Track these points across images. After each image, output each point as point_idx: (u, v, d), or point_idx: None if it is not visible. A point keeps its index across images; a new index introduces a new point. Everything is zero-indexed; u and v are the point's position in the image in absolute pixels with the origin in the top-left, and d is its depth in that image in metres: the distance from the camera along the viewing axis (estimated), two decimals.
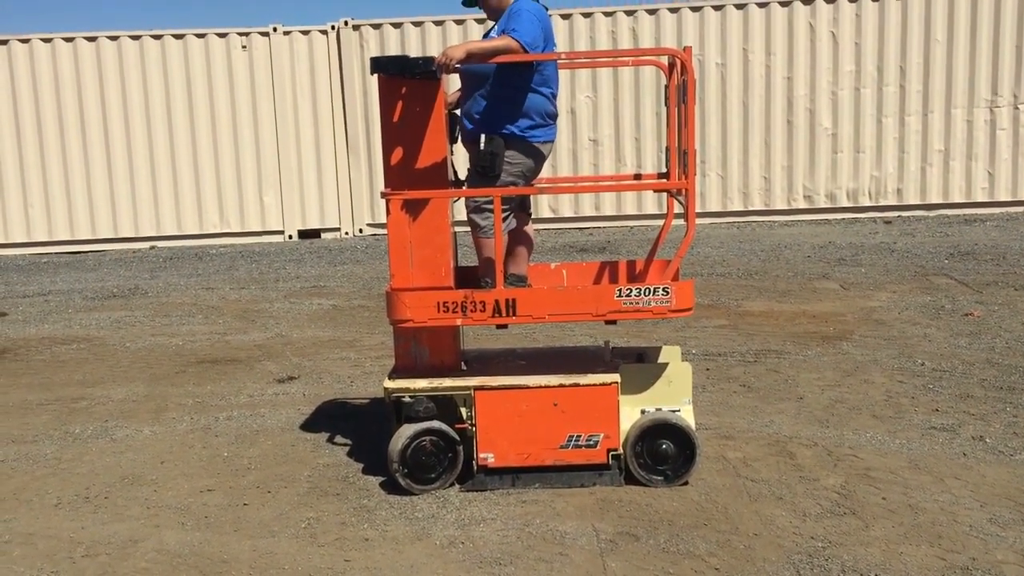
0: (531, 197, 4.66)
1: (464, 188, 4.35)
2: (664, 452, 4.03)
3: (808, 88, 12.28)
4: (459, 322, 4.04)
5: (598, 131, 12.47)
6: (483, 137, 4.15)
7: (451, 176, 4.24)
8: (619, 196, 12.58)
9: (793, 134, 12.37)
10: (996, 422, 4.69)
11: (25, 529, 3.92)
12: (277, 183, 12.74)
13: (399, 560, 3.49)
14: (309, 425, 5.10)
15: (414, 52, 12.50)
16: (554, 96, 4.33)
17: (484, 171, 4.17)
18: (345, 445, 4.74)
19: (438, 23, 12.53)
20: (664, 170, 4.61)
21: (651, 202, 12.61)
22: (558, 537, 3.62)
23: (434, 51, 12.47)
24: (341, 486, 4.21)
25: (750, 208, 12.56)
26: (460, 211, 4.46)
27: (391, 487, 4.10)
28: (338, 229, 12.89)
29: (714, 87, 12.35)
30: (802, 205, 12.51)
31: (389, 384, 4.13)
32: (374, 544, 3.63)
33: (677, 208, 4.35)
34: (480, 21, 12.44)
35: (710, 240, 11.21)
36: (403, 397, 4.07)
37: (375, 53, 12.51)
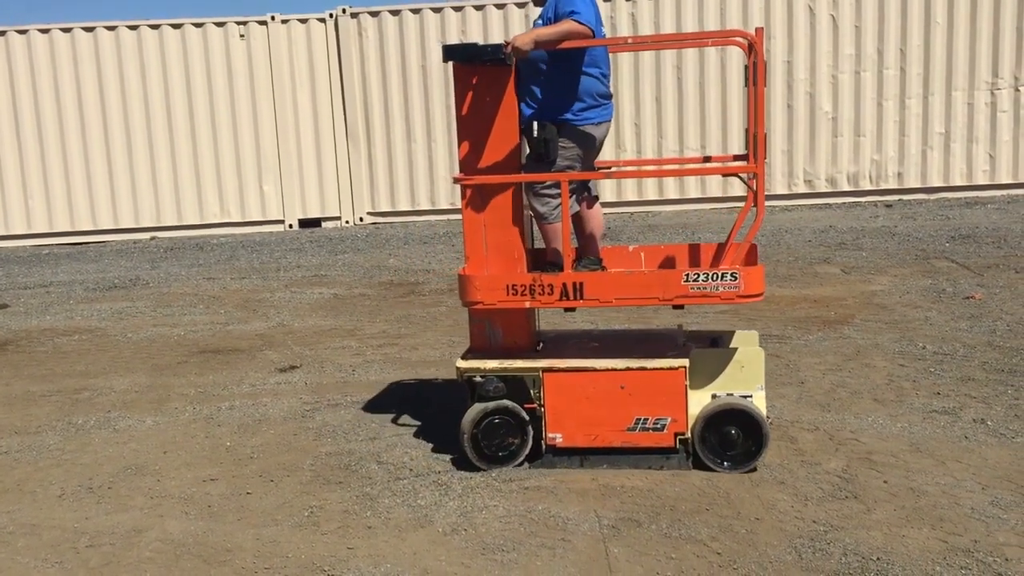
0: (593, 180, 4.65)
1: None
2: (733, 438, 4.01)
3: (808, 72, 12.24)
4: (527, 304, 4.08)
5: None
6: (535, 124, 4.13)
7: (523, 160, 4.26)
8: (619, 183, 12.55)
9: (793, 118, 12.34)
10: (997, 405, 4.69)
11: (29, 520, 3.93)
12: (277, 172, 12.73)
13: (402, 547, 3.50)
14: (311, 414, 5.11)
15: (412, 40, 12.48)
16: (605, 76, 4.30)
17: (540, 158, 4.17)
18: (347, 433, 4.75)
19: (436, 10, 12.49)
20: (744, 152, 4.56)
21: (651, 188, 12.59)
22: (560, 523, 3.63)
23: (431, 38, 12.46)
24: (344, 474, 4.22)
25: None
26: None
27: (387, 477, 4.11)
28: (338, 218, 12.89)
29: (714, 71, 12.32)
30: (803, 189, 12.49)
31: (462, 364, 4.19)
32: (377, 532, 3.64)
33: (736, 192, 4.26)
34: (479, 8, 12.40)
35: (711, 225, 11.19)
36: (475, 376, 4.12)
37: (373, 41, 12.50)
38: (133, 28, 12.47)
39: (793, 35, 12.20)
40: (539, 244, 4.49)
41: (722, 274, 3.94)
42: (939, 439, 4.29)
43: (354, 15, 12.56)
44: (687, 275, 3.96)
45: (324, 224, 12.94)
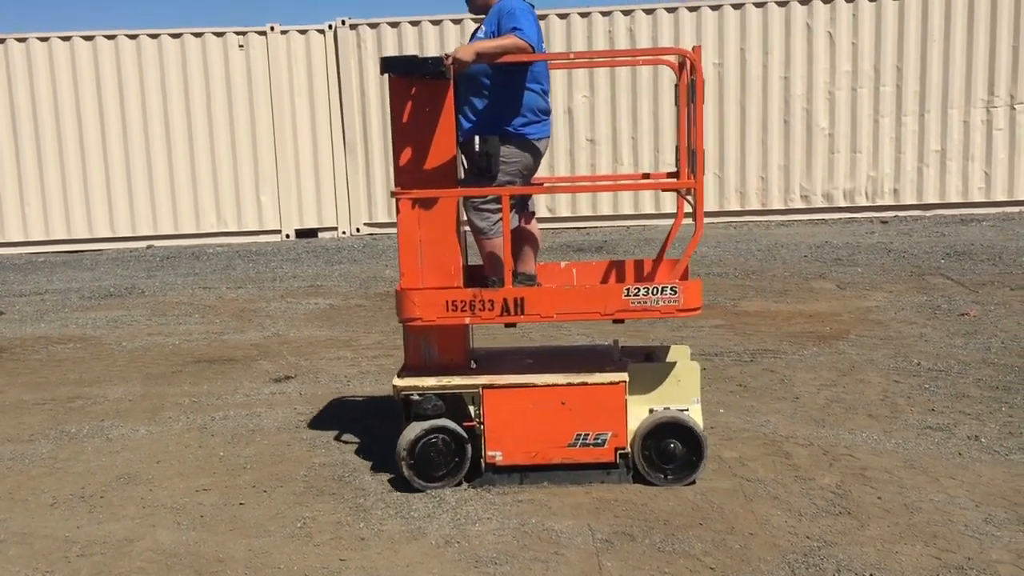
0: (532, 195, 4.67)
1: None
2: (672, 451, 4.03)
3: (805, 88, 12.29)
4: (468, 321, 4.06)
5: (595, 131, 12.47)
6: (477, 138, 4.14)
7: (460, 175, 4.25)
8: (616, 196, 12.58)
9: (790, 134, 12.37)
10: (992, 422, 4.70)
11: (21, 528, 3.92)
12: (274, 182, 12.73)
13: (395, 559, 3.49)
14: (305, 425, 5.10)
15: (412, 52, 12.49)
16: (546, 92, 4.34)
17: (482, 172, 4.17)
18: (341, 444, 4.74)
19: (435, 23, 12.53)
20: (674, 169, 4.61)
21: (648, 202, 12.61)
22: (554, 536, 3.62)
23: (431, 51, 12.48)
24: (337, 486, 4.21)
25: (747, 208, 12.57)
26: None
27: (399, 484, 4.10)
28: (335, 228, 12.89)
29: (711, 87, 12.34)
30: (799, 205, 12.51)
31: (398, 382, 4.15)
32: (370, 543, 3.63)
33: (685, 207, 4.35)
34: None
35: (707, 240, 11.21)
36: (412, 395, 4.09)
37: (372, 53, 12.52)
38: (132, 37, 12.48)
39: (790, 51, 12.24)
40: (473, 260, 4.47)
41: (661, 288, 3.98)
42: (933, 456, 4.29)
43: (353, 27, 12.59)
44: (627, 290, 3.99)
45: (321, 234, 12.94)
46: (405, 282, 4.15)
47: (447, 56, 3.95)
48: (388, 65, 4.04)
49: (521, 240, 4.41)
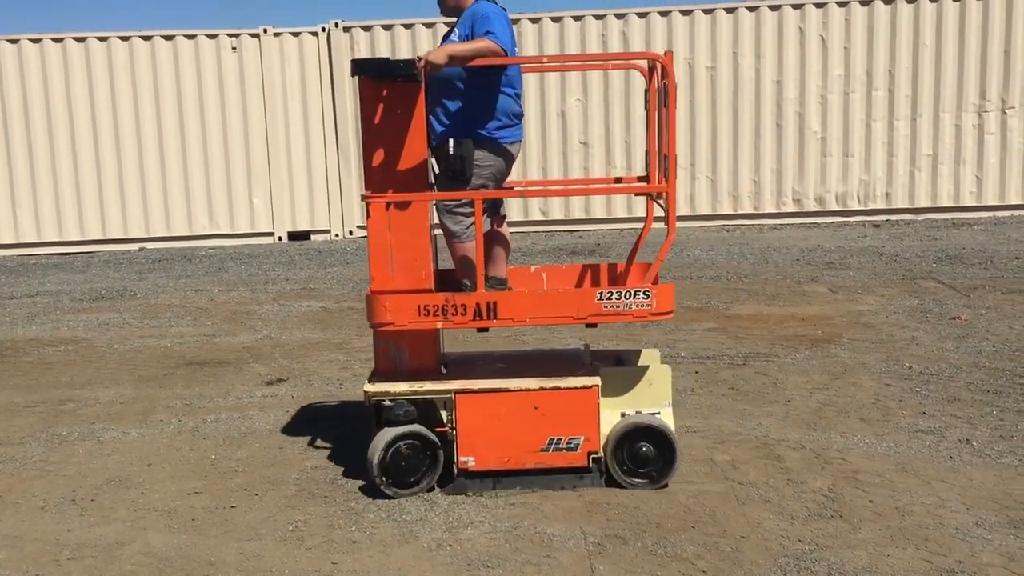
0: (504, 199, 4.66)
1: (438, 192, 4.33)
2: (644, 455, 4.04)
3: (797, 92, 12.32)
4: (440, 325, 4.02)
5: (589, 134, 12.49)
6: (451, 141, 4.13)
7: (430, 179, 4.23)
8: (609, 199, 12.60)
9: (782, 138, 12.40)
10: (983, 425, 4.71)
11: (11, 531, 3.90)
12: (267, 185, 12.71)
13: (386, 563, 3.49)
14: (297, 428, 5.09)
15: (404, 54, 12.48)
16: (518, 96, 4.34)
17: (455, 175, 4.15)
18: (333, 448, 4.73)
19: (428, 25, 12.52)
20: (644, 173, 4.62)
21: (641, 205, 12.62)
22: (546, 540, 3.62)
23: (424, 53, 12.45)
24: (329, 489, 4.20)
25: (740, 211, 12.59)
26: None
27: (372, 491, 4.08)
28: (328, 231, 12.87)
29: (704, 91, 12.38)
30: (791, 209, 12.54)
31: (369, 388, 4.11)
32: (361, 547, 3.62)
33: (658, 212, 4.36)
34: None
35: (700, 243, 11.23)
36: (383, 401, 4.05)
37: (366, 55, 12.51)
38: (125, 39, 12.45)
39: (783, 55, 12.28)
40: (442, 264, 4.45)
41: (634, 292, 3.97)
42: (924, 459, 4.30)
43: (347, 29, 12.59)
44: (600, 293, 3.98)
45: (313, 237, 12.92)
46: (376, 286, 4.11)
47: (419, 59, 3.94)
48: (360, 67, 4.01)
49: (492, 244, 4.39)
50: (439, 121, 4.21)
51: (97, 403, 5.72)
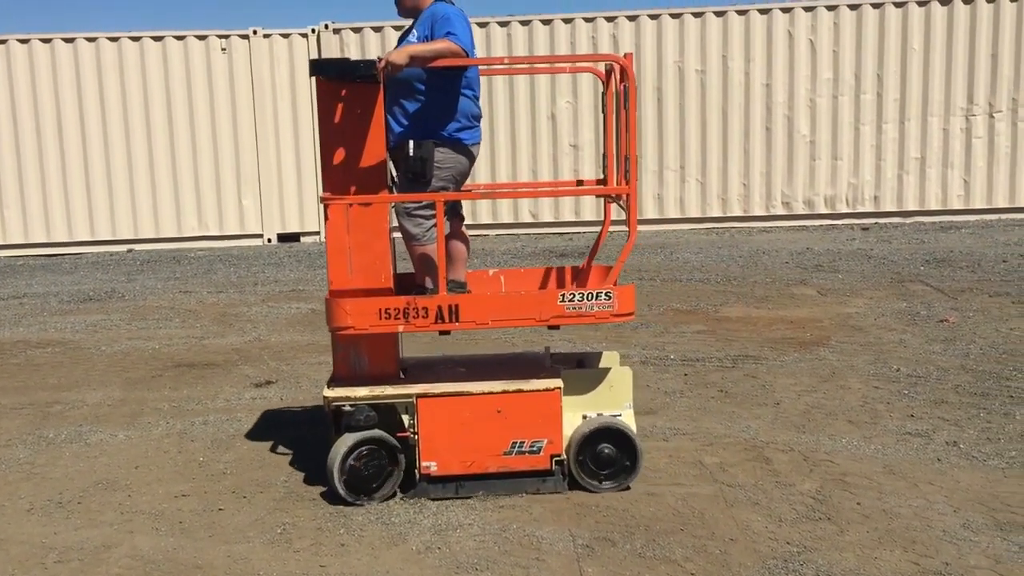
0: (461, 201, 4.65)
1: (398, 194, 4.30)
2: (607, 457, 4.04)
3: (787, 95, 12.37)
4: (401, 329, 3.97)
5: (578, 137, 12.50)
6: (411, 143, 4.10)
7: (389, 181, 4.21)
8: (601, 200, 12.60)
9: (772, 141, 12.44)
10: (970, 428, 4.73)
11: None
12: (256, 186, 12.68)
13: (375, 566, 3.48)
14: (286, 430, 5.08)
15: None
16: (477, 98, 4.33)
17: (416, 177, 4.12)
18: (322, 450, 4.71)
19: None
20: (602, 176, 4.63)
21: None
22: (535, 542, 3.62)
23: None
24: (317, 491, 4.19)
25: (729, 214, 12.62)
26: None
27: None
28: (317, 233, 12.85)
29: (694, 94, 12.41)
30: (780, 211, 12.58)
31: (329, 393, 4.06)
32: (350, 549, 3.62)
33: (614, 214, 4.39)
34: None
35: (689, 246, 11.25)
36: (343, 406, 4.02)
37: (356, 57, 12.49)
38: (114, 40, 12.41)
39: (772, 59, 12.32)
40: (402, 268, 4.44)
41: (596, 294, 3.98)
42: (912, 461, 4.32)
43: (336, 31, 12.57)
44: (563, 295, 3.98)
45: (303, 239, 12.90)
46: (334, 289, 4.07)
47: (379, 60, 3.91)
48: (318, 68, 3.97)
49: (451, 246, 4.37)
50: (397, 122, 4.18)
51: (84, 405, 5.70)
